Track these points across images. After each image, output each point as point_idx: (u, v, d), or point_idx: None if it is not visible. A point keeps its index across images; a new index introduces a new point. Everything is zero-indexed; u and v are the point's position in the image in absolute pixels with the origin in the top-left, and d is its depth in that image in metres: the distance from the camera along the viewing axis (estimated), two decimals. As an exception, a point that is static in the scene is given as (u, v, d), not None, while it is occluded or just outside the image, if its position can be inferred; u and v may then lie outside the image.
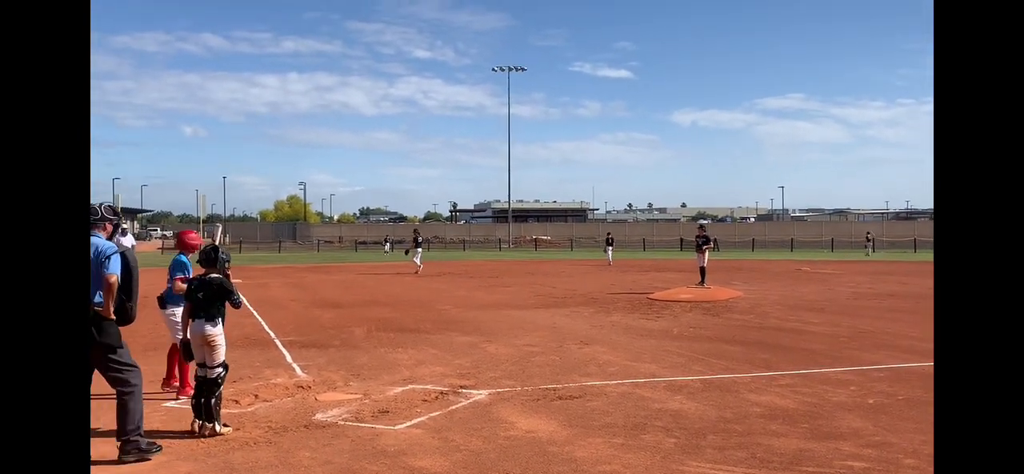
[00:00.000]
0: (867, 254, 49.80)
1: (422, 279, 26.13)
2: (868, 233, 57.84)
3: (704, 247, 20.74)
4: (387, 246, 62.77)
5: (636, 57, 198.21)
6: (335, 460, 5.48)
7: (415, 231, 35.97)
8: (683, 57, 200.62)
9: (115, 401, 5.57)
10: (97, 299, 5.43)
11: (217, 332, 6.26)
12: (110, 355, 5.48)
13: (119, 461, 5.39)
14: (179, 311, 7.29)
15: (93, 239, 5.59)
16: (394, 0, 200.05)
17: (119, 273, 5.48)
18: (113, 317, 5.49)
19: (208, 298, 6.33)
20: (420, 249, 31.04)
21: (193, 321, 6.33)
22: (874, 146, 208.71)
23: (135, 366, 5.65)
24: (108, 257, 5.43)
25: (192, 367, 6.68)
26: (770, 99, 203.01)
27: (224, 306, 6.42)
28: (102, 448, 5.62)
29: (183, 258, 7.57)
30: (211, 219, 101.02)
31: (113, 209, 5.96)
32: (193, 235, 7.72)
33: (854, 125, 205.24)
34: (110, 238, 5.76)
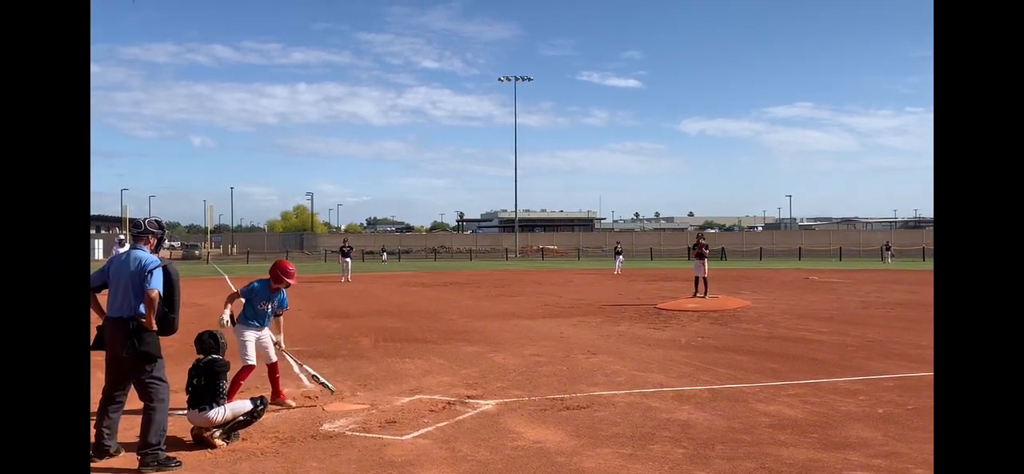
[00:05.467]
0: (887, 262, 49.81)
1: (429, 289, 26.14)
2: (887, 242, 58.03)
3: (706, 255, 20.67)
4: (384, 255, 64.35)
5: (644, 66, 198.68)
6: (342, 470, 5.47)
7: (345, 240, 34.78)
8: (691, 66, 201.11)
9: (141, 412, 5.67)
10: (140, 310, 5.58)
11: (215, 414, 6.12)
12: (147, 365, 5.62)
13: (138, 471, 5.43)
14: (247, 332, 7.46)
15: (137, 252, 5.73)
16: (403, 11, 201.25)
17: (161, 287, 5.61)
18: (155, 328, 5.62)
19: (207, 383, 6.19)
20: (348, 260, 31.39)
21: (192, 411, 6.17)
22: (883, 154, 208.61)
23: (166, 382, 5.76)
24: (151, 271, 5.58)
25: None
26: (778, 108, 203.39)
27: (225, 383, 6.30)
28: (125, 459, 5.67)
29: (257, 284, 7.66)
30: (218, 228, 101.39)
31: (158, 223, 6.04)
32: (290, 267, 7.76)
33: (863, 133, 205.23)
34: (155, 251, 5.84)
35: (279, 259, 8.04)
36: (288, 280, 7.65)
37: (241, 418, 6.20)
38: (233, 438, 6.16)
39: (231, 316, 7.57)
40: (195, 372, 6.26)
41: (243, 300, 7.57)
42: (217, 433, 6.09)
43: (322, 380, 8.08)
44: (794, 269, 41.09)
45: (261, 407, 6.32)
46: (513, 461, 5.66)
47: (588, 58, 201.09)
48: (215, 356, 6.36)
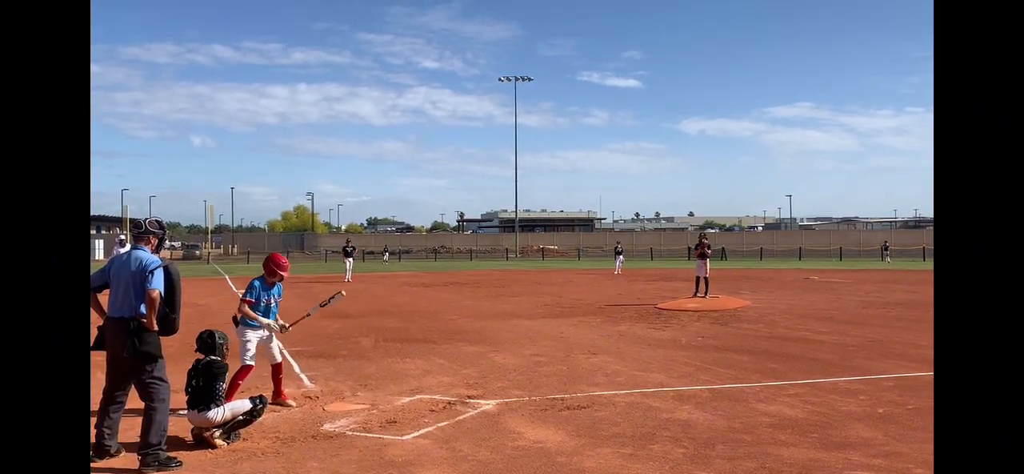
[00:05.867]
0: (885, 261, 49.91)
1: (429, 289, 26.14)
2: (886, 242, 58.29)
3: (708, 255, 20.69)
4: (386, 255, 64.67)
5: (644, 66, 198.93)
6: (343, 470, 5.47)
7: (347, 241, 35.95)
8: (692, 66, 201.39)
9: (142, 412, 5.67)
10: (141, 310, 5.56)
11: (215, 414, 6.13)
12: (147, 365, 5.61)
13: (139, 471, 5.43)
14: (249, 333, 7.49)
15: (138, 252, 5.72)
16: (403, 11, 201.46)
17: (162, 288, 5.60)
18: (156, 329, 5.60)
19: (205, 384, 6.19)
20: (351, 259, 31.89)
21: (192, 411, 6.18)
22: (883, 154, 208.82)
23: (167, 382, 5.76)
24: (152, 272, 5.56)
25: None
26: (779, 108, 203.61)
27: (222, 384, 6.31)
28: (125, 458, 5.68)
29: (258, 282, 7.70)
30: (219, 229, 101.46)
31: (159, 223, 6.02)
32: (283, 259, 7.86)
33: (863, 133, 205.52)
34: (155, 251, 5.83)
35: (271, 253, 8.06)
36: (281, 273, 7.70)
37: (241, 418, 6.21)
38: (234, 438, 6.17)
39: (234, 318, 7.63)
40: (194, 373, 6.27)
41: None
42: (217, 433, 6.09)
43: (328, 300, 8.60)
44: (794, 269, 41.08)
45: (260, 406, 6.32)
46: (514, 461, 5.66)
47: (588, 58, 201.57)
48: (213, 358, 6.37)
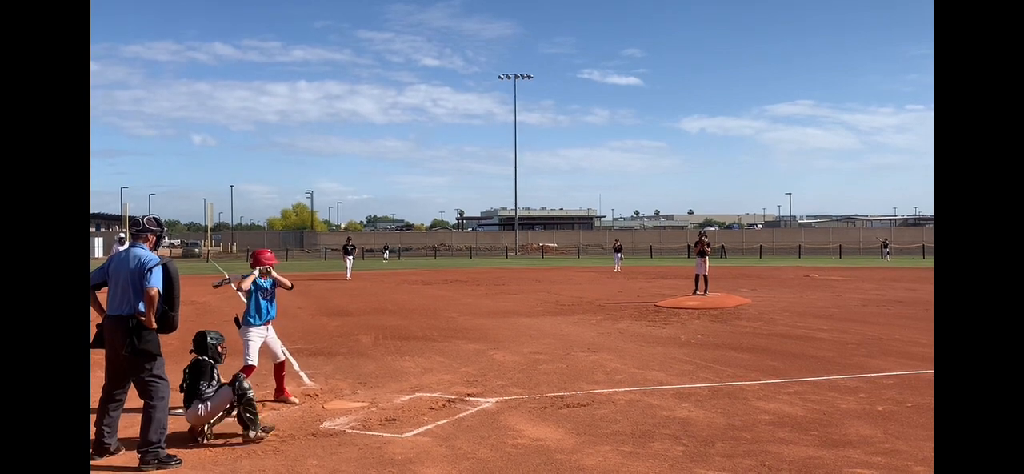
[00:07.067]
0: (885, 259, 49.96)
1: (429, 286, 26.16)
2: (885, 240, 58.48)
3: (708, 253, 20.65)
4: (385, 254, 64.83)
5: (645, 64, 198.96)
6: (342, 468, 5.47)
7: (348, 239, 36.79)
8: (692, 64, 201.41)
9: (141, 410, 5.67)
10: (140, 308, 5.55)
11: (200, 410, 6.14)
12: (146, 364, 5.60)
13: (139, 469, 5.42)
14: (252, 332, 7.54)
15: (136, 250, 5.71)
16: (404, 9, 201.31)
17: (161, 285, 5.59)
18: (154, 326, 5.60)
19: (191, 381, 6.25)
20: (351, 258, 32.39)
21: (187, 409, 6.22)
22: (883, 152, 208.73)
23: (166, 380, 5.75)
24: (150, 269, 5.55)
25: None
26: (779, 105, 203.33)
27: (214, 378, 6.33)
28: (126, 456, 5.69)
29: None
30: (218, 227, 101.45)
31: (157, 221, 6.01)
32: (268, 254, 7.89)
33: (863, 131, 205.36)
34: (154, 249, 5.83)
35: (254, 251, 8.08)
36: (267, 265, 7.75)
37: (230, 406, 6.17)
38: (255, 429, 6.08)
39: (235, 319, 7.66)
40: (185, 371, 6.31)
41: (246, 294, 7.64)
42: (207, 429, 6.16)
43: (220, 283, 8.31)
44: (794, 267, 41.10)
45: (239, 385, 6.13)
46: (513, 459, 5.66)
47: (588, 56, 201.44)
48: (199, 357, 6.39)
